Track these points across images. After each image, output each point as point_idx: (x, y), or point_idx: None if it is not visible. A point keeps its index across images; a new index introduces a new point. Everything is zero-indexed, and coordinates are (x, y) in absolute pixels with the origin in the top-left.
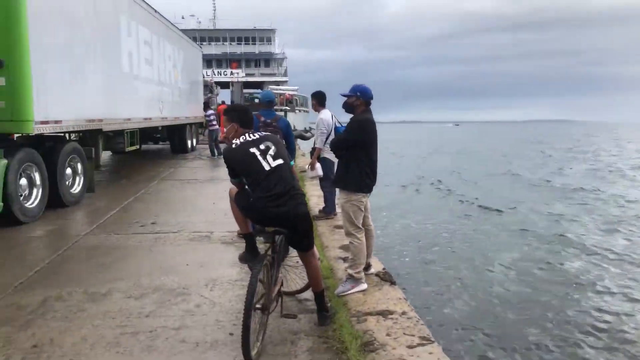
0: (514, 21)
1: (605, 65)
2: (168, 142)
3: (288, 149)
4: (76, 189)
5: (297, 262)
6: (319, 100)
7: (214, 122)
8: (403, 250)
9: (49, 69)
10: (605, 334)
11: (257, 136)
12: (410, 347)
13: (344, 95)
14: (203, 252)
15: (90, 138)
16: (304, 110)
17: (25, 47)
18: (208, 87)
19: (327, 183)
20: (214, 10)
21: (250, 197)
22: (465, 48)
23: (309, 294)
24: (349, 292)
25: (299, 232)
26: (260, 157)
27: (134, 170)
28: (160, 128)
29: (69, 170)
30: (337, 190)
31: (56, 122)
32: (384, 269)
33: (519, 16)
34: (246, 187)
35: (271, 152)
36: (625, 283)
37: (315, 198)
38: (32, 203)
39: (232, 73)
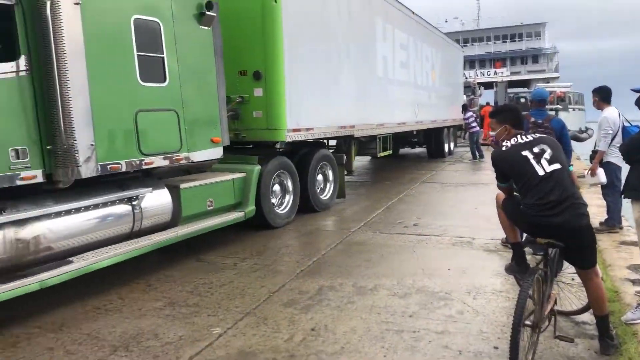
0: None
1: None
2: (425, 146)
3: (564, 153)
4: (327, 194)
5: (573, 279)
6: (603, 96)
7: (474, 124)
8: None
9: (302, 78)
10: None
11: (531, 138)
12: None
13: (636, 91)
14: (465, 258)
15: (343, 144)
16: (579, 109)
17: (279, 58)
18: (470, 89)
19: (610, 191)
20: (478, 10)
21: (520, 204)
22: None
23: (587, 317)
24: None
25: (578, 246)
26: (533, 161)
27: (395, 173)
28: (415, 132)
29: (320, 177)
30: (624, 199)
31: (307, 129)
32: None
33: None
34: (515, 193)
35: (546, 155)
36: None
37: (594, 208)
38: (284, 208)
39: (495, 72)
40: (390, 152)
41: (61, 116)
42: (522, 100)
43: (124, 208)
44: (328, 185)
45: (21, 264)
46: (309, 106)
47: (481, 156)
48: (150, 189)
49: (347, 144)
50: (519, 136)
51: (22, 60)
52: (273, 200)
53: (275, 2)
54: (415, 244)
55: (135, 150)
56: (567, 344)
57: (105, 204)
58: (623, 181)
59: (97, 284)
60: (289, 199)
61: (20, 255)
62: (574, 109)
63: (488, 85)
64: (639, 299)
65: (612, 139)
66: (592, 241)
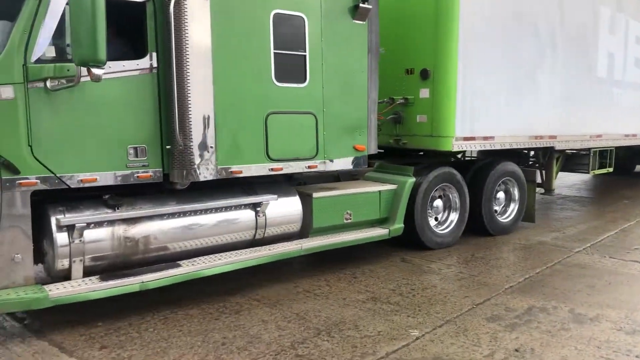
0: None
1: None
2: None
3: None
4: (508, 216)
5: None
6: None
7: None
8: None
9: (481, 77)
10: None
11: None
12: None
13: None
14: None
15: (541, 157)
16: None
17: (452, 52)
18: None
19: None
20: None
21: None
22: None
23: None
24: None
25: None
26: None
27: (635, 192)
28: None
29: (500, 195)
30: None
31: (486, 138)
32: None
33: None
34: None
35: None
36: None
37: None
38: (446, 228)
39: None
40: (610, 170)
41: (176, 116)
42: None
43: (246, 214)
44: (512, 205)
45: (130, 263)
46: (490, 111)
47: None
48: (276, 196)
49: (547, 157)
50: None
51: (150, 58)
52: (432, 218)
53: None
54: None
55: (262, 154)
56: None
57: (227, 208)
58: None
59: (308, 268)
60: (454, 217)
61: (129, 254)
62: None
63: None
64: None
65: None
66: None
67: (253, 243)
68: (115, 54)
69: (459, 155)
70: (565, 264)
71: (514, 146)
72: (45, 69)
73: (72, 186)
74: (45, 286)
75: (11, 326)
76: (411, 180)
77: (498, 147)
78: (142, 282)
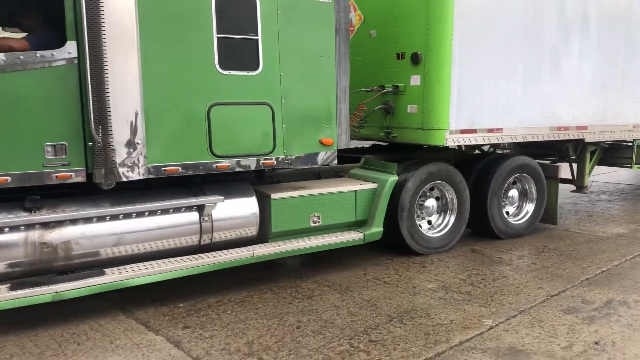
0: None
1: None
2: None
3: None
4: (522, 218)
5: None
6: None
7: None
8: None
9: (485, 59)
10: None
11: None
12: None
13: None
14: None
15: (573, 150)
16: None
17: (446, 32)
18: None
19: None
20: None
21: None
22: None
23: None
24: None
25: None
26: None
27: None
28: None
29: (513, 193)
30: None
31: (491, 130)
32: None
33: None
34: None
35: None
36: None
37: None
38: (439, 231)
39: None
40: None
41: (91, 109)
42: None
43: (188, 217)
44: (527, 205)
45: (52, 270)
46: (497, 98)
47: None
48: (222, 197)
49: (580, 150)
50: None
51: (69, 47)
52: (422, 220)
53: None
54: None
55: (204, 150)
56: None
57: (164, 211)
58: None
59: (375, 256)
60: (448, 219)
61: (48, 260)
62: None
63: None
64: None
65: None
66: None
67: (200, 249)
68: (34, 44)
69: (464, 149)
70: None
71: (529, 139)
72: None
73: None
74: None
75: (99, 305)
76: (393, 178)
77: (508, 141)
78: (56, 292)
